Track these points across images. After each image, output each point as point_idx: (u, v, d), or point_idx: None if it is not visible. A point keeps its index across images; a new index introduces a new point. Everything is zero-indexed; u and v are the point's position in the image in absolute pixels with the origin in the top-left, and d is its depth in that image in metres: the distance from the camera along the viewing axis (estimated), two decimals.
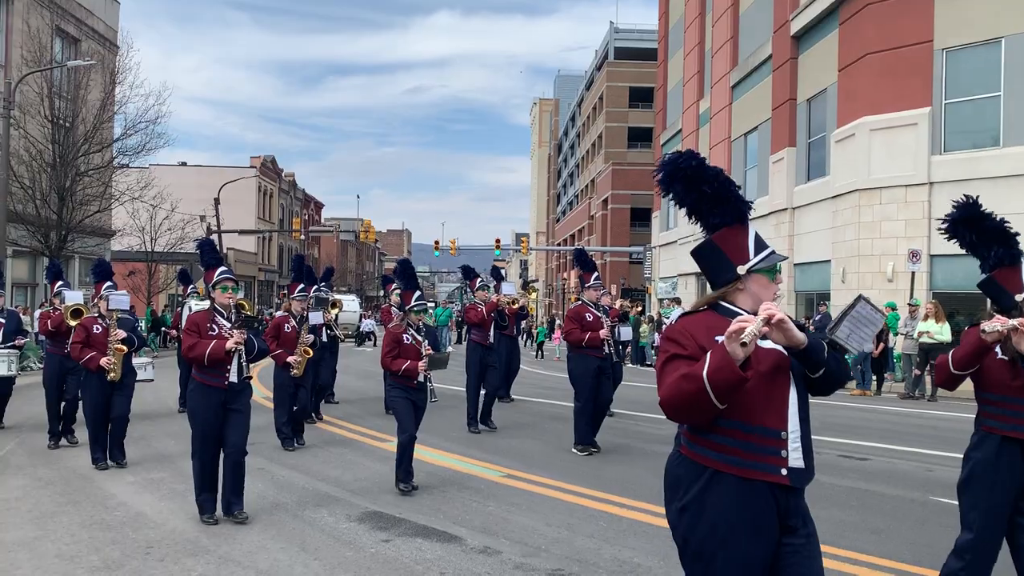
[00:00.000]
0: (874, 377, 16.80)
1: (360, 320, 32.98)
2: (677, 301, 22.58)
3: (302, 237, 55.20)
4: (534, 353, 32.21)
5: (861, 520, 6.52)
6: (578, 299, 9.91)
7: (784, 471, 2.67)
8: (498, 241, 48.22)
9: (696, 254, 2.96)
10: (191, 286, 13.60)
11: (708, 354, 2.55)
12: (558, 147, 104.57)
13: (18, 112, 24.02)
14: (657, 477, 7.89)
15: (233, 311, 6.39)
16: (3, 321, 10.48)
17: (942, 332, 15.27)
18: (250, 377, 6.41)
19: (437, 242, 50.43)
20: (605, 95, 68.09)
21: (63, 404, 9.76)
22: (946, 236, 4.29)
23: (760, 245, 2.86)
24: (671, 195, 2.93)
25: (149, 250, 35.05)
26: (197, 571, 5.20)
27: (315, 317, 10.42)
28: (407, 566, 5.28)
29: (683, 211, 2.95)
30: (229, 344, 6.11)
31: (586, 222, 70.57)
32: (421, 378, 7.10)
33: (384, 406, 11.97)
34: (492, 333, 11.14)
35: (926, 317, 15.51)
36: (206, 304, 11.87)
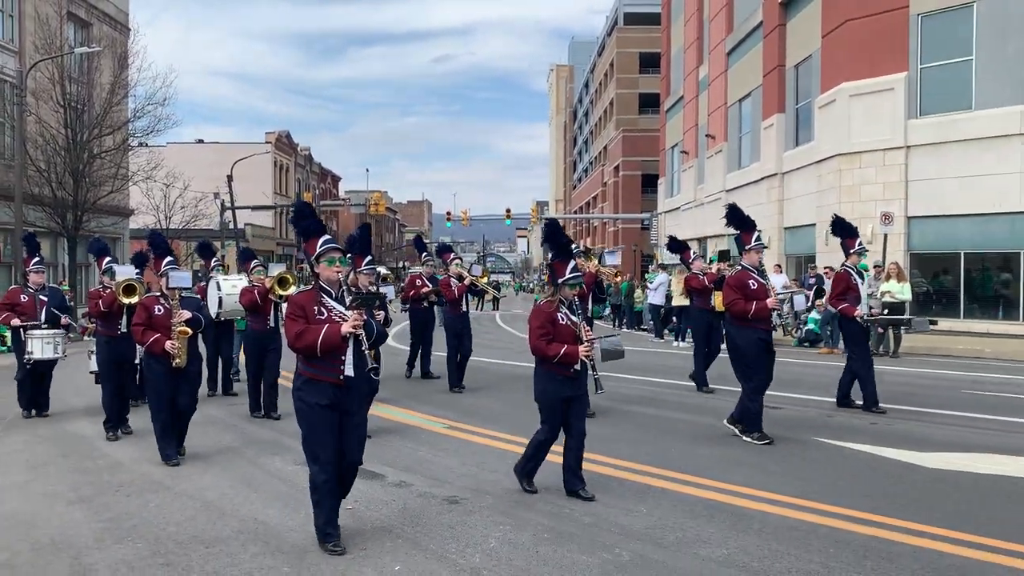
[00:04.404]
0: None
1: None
2: (663, 267, 23.24)
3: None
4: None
5: (733, 454, 7.40)
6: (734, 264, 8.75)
7: None
8: (508, 211, 49.05)
9: None
10: (214, 259, 12.86)
11: None
12: (573, 114, 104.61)
13: (31, 98, 25.13)
14: (599, 427, 8.79)
15: (344, 288, 5.43)
16: (45, 299, 10.10)
17: (903, 291, 15.95)
18: (375, 369, 5.55)
19: (449, 213, 51.40)
20: (616, 61, 68.24)
21: (105, 392, 8.85)
22: None
23: None
24: None
25: (164, 228, 36.26)
26: (154, 503, 6.19)
27: (389, 291, 9.85)
28: None
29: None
30: (345, 328, 5.07)
31: (599, 189, 71.08)
32: (579, 366, 6.05)
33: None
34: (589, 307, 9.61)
35: (888, 277, 16.17)
36: (238, 279, 11.78)
